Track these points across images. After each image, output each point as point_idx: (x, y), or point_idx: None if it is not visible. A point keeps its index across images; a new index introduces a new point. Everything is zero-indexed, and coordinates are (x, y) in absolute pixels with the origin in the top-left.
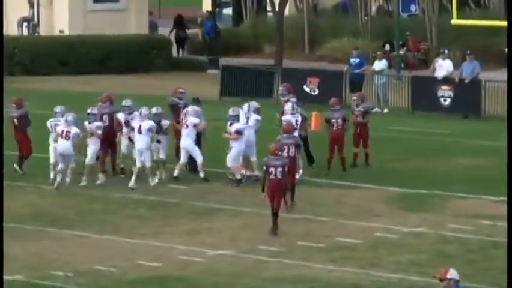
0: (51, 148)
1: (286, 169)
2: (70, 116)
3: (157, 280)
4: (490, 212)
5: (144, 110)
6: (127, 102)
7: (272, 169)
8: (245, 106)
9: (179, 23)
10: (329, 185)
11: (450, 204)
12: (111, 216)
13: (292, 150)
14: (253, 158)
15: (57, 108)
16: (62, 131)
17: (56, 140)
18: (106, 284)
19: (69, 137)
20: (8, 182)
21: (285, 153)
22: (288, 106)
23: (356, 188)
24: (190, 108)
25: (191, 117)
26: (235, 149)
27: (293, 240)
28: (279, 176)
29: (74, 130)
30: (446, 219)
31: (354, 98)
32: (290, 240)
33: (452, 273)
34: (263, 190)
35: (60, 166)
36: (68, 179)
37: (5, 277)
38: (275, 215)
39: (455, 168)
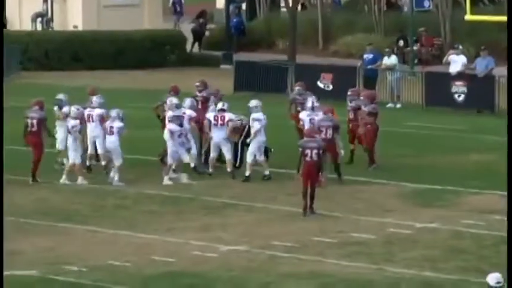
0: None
1: (321, 151)
2: (113, 112)
3: (172, 275)
4: (503, 208)
5: (173, 101)
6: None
7: (308, 151)
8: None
9: (200, 18)
10: (343, 180)
11: (463, 200)
12: (125, 212)
13: (330, 132)
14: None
15: (113, 113)
16: (106, 127)
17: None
18: (121, 279)
19: (113, 132)
20: (21, 177)
21: (322, 135)
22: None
23: (370, 183)
24: (188, 101)
25: (188, 110)
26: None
27: (307, 236)
28: (314, 158)
29: (117, 124)
30: (459, 215)
31: (362, 97)
32: (304, 236)
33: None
34: (298, 171)
35: (102, 162)
36: (116, 177)
37: (19, 272)
38: (311, 196)
39: (469, 163)
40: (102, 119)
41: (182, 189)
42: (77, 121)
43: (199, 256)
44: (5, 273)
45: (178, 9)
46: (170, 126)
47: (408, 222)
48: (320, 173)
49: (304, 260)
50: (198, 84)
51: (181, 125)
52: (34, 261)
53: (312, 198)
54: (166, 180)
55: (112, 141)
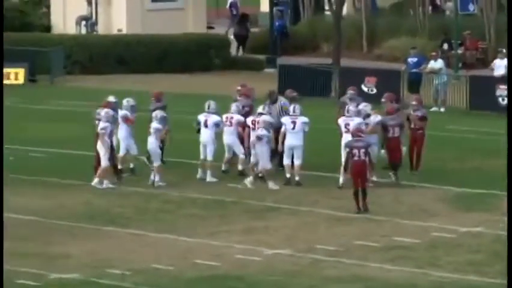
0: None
1: (369, 150)
2: (153, 114)
3: (215, 279)
4: None
5: (212, 105)
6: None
7: (356, 150)
8: (290, 107)
9: (243, 21)
10: (386, 184)
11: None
12: (168, 215)
13: (397, 130)
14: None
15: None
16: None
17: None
18: (163, 283)
19: (151, 133)
20: (66, 180)
21: (389, 134)
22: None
23: (413, 187)
24: (234, 106)
25: (236, 115)
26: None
27: (350, 240)
28: (362, 157)
29: (154, 125)
30: (503, 219)
31: (414, 102)
32: (347, 240)
33: None
34: (345, 170)
35: (153, 164)
36: (157, 178)
37: (63, 275)
38: (364, 193)
39: None
40: (127, 120)
41: (226, 193)
42: (107, 124)
43: (243, 260)
44: (51, 276)
45: (235, 12)
46: (261, 131)
47: (452, 227)
48: (369, 171)
49: (348, 263)
50: (239, 88)
51: (268, 131)
52: (78, 265)
53: (364, 195)
54: (273, 185)
55: (151, 142)
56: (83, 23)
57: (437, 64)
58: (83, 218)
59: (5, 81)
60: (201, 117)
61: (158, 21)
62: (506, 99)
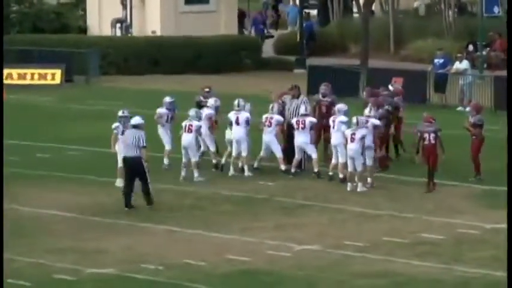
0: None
1: (439, 134)
2: (192, 111)
3: (246, 274)
4: None
5: (241, 102)
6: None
7: (426, 135)
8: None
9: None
10: (414, 182)
11: None
12: (202, 212)
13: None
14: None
15: (192, 112)
16: (185, 126)
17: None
18: (196, 278)
19: (191, 130)
20: (102, 178)
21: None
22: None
23: (440, 185)
24: (276, 107)
25: (276, 115)
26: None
27: (378, 236)
28: (432, 141)
29: (196, 123)
30: None
31: (468, 108)
32: (375, 236)
33: None
34: (417, 153)
35: (183, 161)
36: (196, 173)
37: (99, 270)
38: (432, 174)
39: None
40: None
41: (258, 190)
42: (117, 124)
43: (273, 255)
44: (87, 271)
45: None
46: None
47: (478, 223)
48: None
49: (376, 259)
50: (207, 90)
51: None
52: (114, 260)
53: (433, 175)
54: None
55: (189, 139)
56: (118, 25)
57: (462, 65)
58: (118, 215)
59: (42, 82)
60: (231, 115)
61: (191, 23)
62: None
